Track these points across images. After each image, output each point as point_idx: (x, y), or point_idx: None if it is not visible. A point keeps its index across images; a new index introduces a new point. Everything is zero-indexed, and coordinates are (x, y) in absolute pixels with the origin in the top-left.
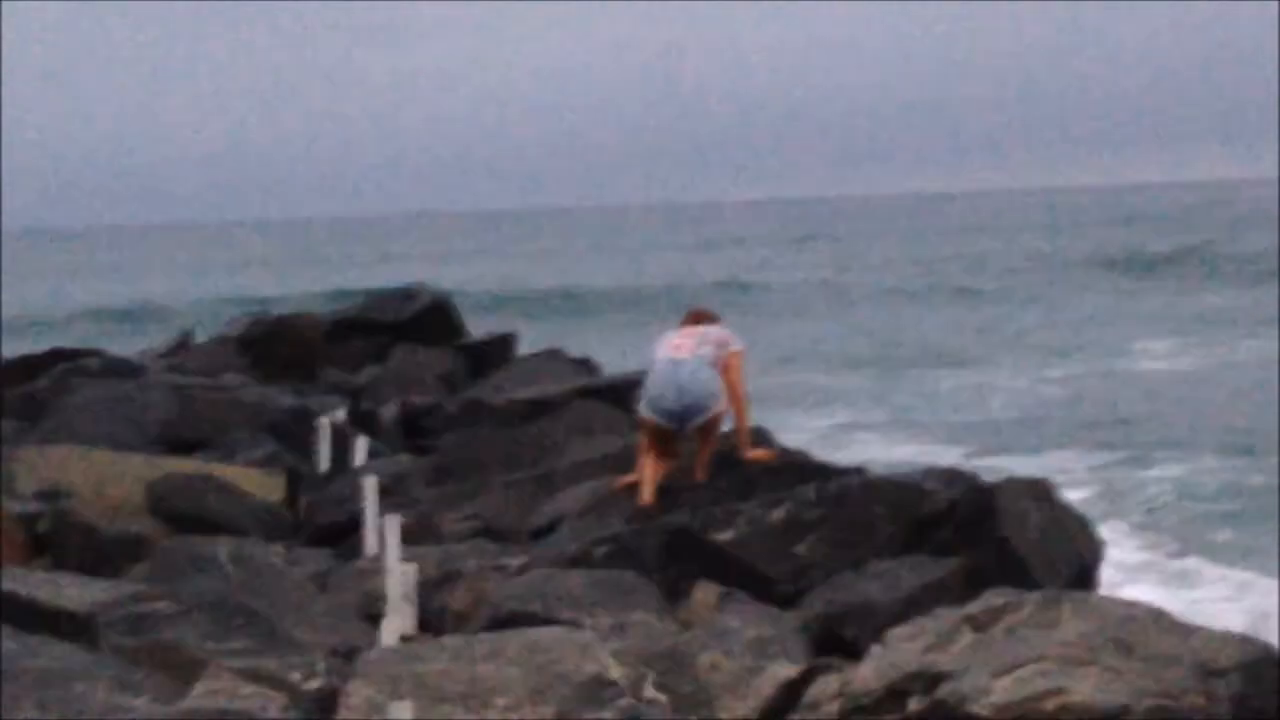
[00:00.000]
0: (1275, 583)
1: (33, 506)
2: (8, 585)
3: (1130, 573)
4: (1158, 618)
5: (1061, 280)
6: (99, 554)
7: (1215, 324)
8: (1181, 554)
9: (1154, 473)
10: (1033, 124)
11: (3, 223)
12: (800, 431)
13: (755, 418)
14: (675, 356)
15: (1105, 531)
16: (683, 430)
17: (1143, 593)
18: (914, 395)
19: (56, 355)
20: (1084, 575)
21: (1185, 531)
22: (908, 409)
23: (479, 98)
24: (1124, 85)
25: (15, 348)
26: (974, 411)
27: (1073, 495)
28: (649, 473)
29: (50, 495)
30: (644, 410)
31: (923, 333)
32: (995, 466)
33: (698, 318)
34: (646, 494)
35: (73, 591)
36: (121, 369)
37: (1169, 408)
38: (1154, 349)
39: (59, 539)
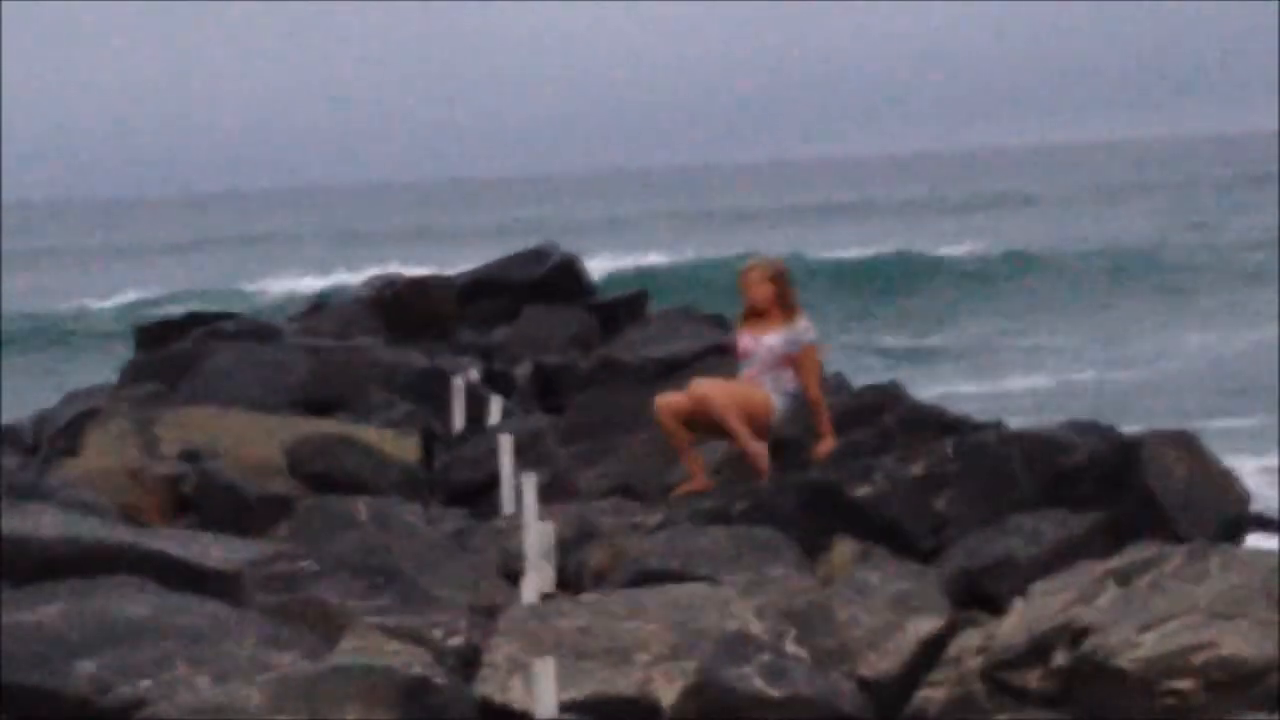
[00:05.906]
0: None
1: (177, 467)
2: (157, 544)
3: None
4: None
5: None
6: (242, 513)
7: None
8: None
9: None
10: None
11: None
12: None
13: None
14: None
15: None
16: None
17: None
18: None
19: (194, 318)
20: (1231, 528)
21: None
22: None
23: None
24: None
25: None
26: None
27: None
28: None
29: (193, 456)
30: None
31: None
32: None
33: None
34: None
35: (219, 550)
36: (258, 331)
37: None
38: None
39: (203, 499)
